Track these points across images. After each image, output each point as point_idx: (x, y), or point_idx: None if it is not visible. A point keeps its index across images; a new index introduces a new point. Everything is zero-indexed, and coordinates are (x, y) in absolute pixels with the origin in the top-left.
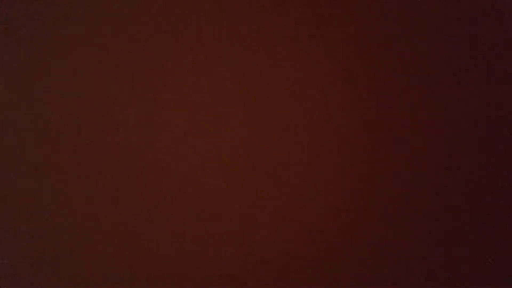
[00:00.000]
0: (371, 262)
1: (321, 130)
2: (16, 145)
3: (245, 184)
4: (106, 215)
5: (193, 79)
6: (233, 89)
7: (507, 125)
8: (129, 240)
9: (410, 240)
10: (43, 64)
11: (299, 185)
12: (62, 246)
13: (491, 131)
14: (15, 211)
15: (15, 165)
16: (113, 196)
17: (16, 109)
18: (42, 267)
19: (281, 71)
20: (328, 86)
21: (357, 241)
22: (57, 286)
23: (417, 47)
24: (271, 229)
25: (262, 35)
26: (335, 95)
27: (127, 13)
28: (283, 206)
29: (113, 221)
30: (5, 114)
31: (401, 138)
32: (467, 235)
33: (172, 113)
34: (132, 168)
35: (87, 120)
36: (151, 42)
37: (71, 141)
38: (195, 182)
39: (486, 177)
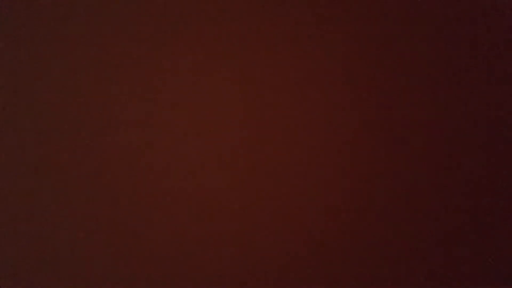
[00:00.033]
0: (371, 262)
1: (321, 130)
2: (16, 145)
3: (245, 184)
4: (106, 215)
5: (193, 79)
6: (233, 89)
7: (507, 125)
8: (129, 240)
9: (410, 240)
10: (43, 64)
11: (299, 185)
12: (62, 246)
13: (491, 131)
14: (15, 211)
15: (15, 165)
16: (113, 196)
17: (16, 109)
18: (42, 267)
19: (281, 71)
20: (328, 86)
21: (357, 241)
22: (57, 286)
23: (417, 47)
24: (271, 229)
25: (262, 35)
26: (335, 95)
27: (127, 13)
28: (283, 206)
29: (113, 221)
30: (5, 114)
31: (401, 138)
32: (467, 235)
33: (172, 113)
34: (132, 168)
35: (87, 120)
36: (151, 42)
37: (71, 141)
38: (195, 182)
39: (486, 177)
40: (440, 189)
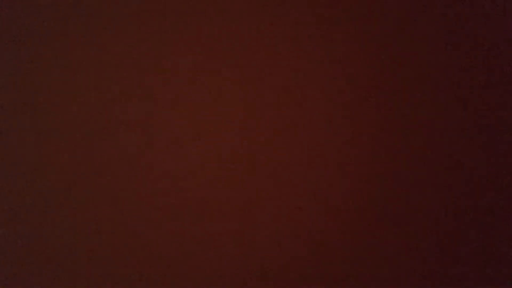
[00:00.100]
0: (371, 262)
1: (321, 130)
2: (16, 145)
3: (245, 184)
4: (106, 215)
5: (193, 79)
6: (233, 89)
7: (507, 125)
8: (129, 240)
9: (410, 240)
10: (43, 64)
11: (299, 185)
12: (62, 246)
13: (491, 131)
14: (15, 211)
15: (15, 165)
16: (113, 196)
17: (16, 109)
18: (42, 267)
19: (281, 71)
20: (328, 86)
21: (357, 241)
22: (57, 286)
23: (417, 47)
24: (271, 229)
25: (262, 35)
26: (335, 95)
27: (127, 13)
28: (283, 206)
29: (113, 221)
30: (5, 114)
31: (401, 138)
32: (467, 235)
33: (172, 113)
34: (132, 168)
35: (87, 120)
36: (151, 42)
37: (71, 141)
38: (195, 182)
39: (486, 177)
40: (440, 189)
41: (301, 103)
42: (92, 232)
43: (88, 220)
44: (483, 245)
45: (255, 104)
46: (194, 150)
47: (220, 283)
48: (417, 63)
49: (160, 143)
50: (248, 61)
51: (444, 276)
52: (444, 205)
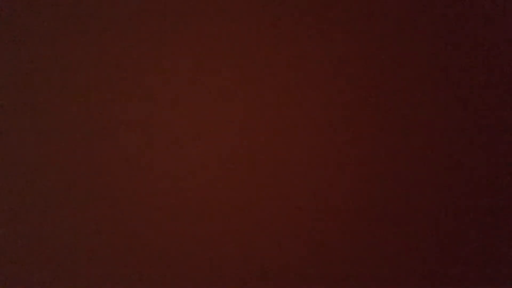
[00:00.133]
0: (371, 262)
1: (322, 130)
2: (16, 145)
3: (245, 184)
4: (106, 215)
5: (193, 79)
6: (233, 89)
7: (507, 125)
8: (129, 240)
9: (410, 240)
10: (43, 64)
11: (299, 185)
12: (62, 246)
13: (491, 131)
14: (15, 211)
15: (15, 165)
16: (113, 196)
17: (16, 109)
18: (42, 267)
19: (281, 71)
20: (328, 86)
21: (357, 241)
22: (57, 286)
23: (417, 47)
24: (271, 229)
25: (262, 35)
26: (335, 95)
27: (127, 13)
28: (283, 205)
29: (113, 221)
30: (5, 114)
31: (401, 138)
32: (467, 235)
33: (172, 113)
34: (132, 168)
35: (87, 120)
36: (151, 42)
37: (71, 141)
38: (195, 182)
39: (486, 177)
40: (440, 189)
41: (301, 103)
42: (92, 232)
43: (88, 220)
44: (483, 245)
45: (255, 104)
46: (194, 150)
47: (220, 283)
48: (417, 63)
49: (160, 143)
50: (248, 61)
51: (444, 276)
52: (444, 205)
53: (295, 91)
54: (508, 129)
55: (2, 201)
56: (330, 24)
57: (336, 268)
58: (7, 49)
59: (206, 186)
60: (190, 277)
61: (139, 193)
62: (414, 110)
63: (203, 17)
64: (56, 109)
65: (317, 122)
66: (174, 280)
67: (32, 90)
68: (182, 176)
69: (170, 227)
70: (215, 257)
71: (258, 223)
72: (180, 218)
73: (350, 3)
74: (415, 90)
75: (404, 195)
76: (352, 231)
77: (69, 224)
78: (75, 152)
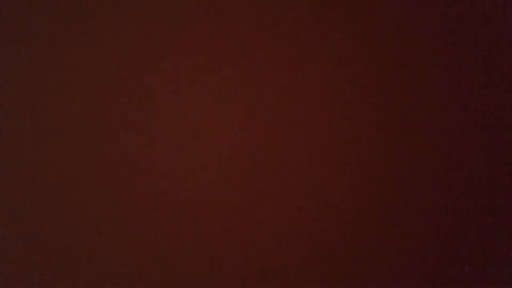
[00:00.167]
0: (371, 262)
1: (321, 130)
2: (16, 145)
3: (245, 184)
4: (106, 215)
5: (193, 79)
6: (233, 89)
7: (507, 125)
8: (129, 240)
9: (410, 240)
10: (43, 64)
11: (299, 185)
12: (62, 246)
13: (491, 131)
14: (15, 211)
15: (15, 165)
16: (113, 196)
17: (16, 109)
18: (42, 267)
19: (281, 71)
20: (328, 86)
21: (357, 241)
22: (57, 286)
23: (417, 47)
24: (271, 229)
25: (262, 35)
26: (335, 95)
27: (127, 13)
28: (283, 205)
29: (113, 221)
30: (5, 114)
31: (401, 138)
32: (467, 235)
33: (172, 113)
34: (132, 168)
35: (87, 120)
36: (151, 42)
37: (71, 141)
38: (195, 182)
39: (486, 177)
40: (440, 189)
41: (301, 103)
42: (92, 232)
43: (88, 220)
44: (483, 245)
45: (255, 104)
46: (194, 150)
47: (220, 283)
48: (417, 63)
49: (160, 143)
50: (248, 61)
51: (444, 276)
52: (444, 205)
53: (295, 91)
54: (508, 129)
55: (2, 201)
56: (330, 24)
57: (336, 268)
58: (7, 49)
59: (206, 186)
60: (190, 277)
61: (139, 193)
62: (414, 110)
63: (203, 17)
64: (56, 109)
65: (317, 122)
66: (174, 280)
67: (32, 90)
68: (182, 176)
69: (170, 227)
70: (215, 257)
71: (258, 223)
72: (180, 218)
73: (350, 3)
74: (415, 90)
75: (404, 195)
76: (352, 231)
77: (69, 224)
78: (75, 152)
